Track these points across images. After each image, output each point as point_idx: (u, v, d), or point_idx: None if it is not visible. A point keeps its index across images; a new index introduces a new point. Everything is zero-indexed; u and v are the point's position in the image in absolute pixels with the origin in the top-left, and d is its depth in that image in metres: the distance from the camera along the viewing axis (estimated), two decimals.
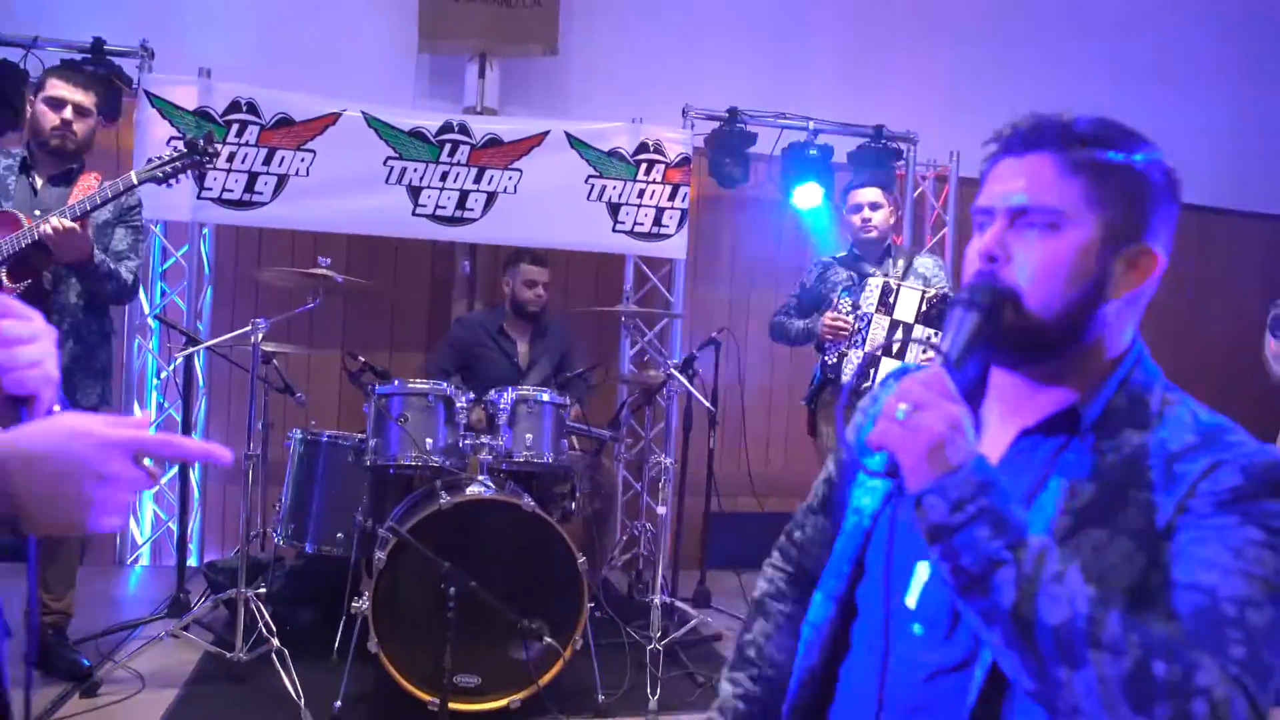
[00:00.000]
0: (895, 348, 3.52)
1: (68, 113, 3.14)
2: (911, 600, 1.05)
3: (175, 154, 3.08)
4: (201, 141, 3.11)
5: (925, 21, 5.71)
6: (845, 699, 1.11)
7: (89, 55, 4.43)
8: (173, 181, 3.11)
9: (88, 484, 0.78)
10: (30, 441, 0.78)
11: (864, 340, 3.56)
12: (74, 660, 3.13)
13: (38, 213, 2.98)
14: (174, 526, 4.43)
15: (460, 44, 5.05)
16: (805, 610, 1.20)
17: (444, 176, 4.72)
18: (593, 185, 4.88)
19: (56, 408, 0.89)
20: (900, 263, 3.90)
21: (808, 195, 5.10)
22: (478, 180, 4.76)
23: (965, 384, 1.02)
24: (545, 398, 3.42)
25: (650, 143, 4.92)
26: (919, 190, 5.62)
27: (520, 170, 4.78)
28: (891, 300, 3.57)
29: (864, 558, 1.12)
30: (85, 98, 3.19)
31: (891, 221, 3.96)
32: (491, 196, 4.76)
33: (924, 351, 3.35)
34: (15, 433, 0.79)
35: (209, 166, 3.19)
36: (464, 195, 4.74)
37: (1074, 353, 1.01)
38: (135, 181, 3.01)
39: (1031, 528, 0.91)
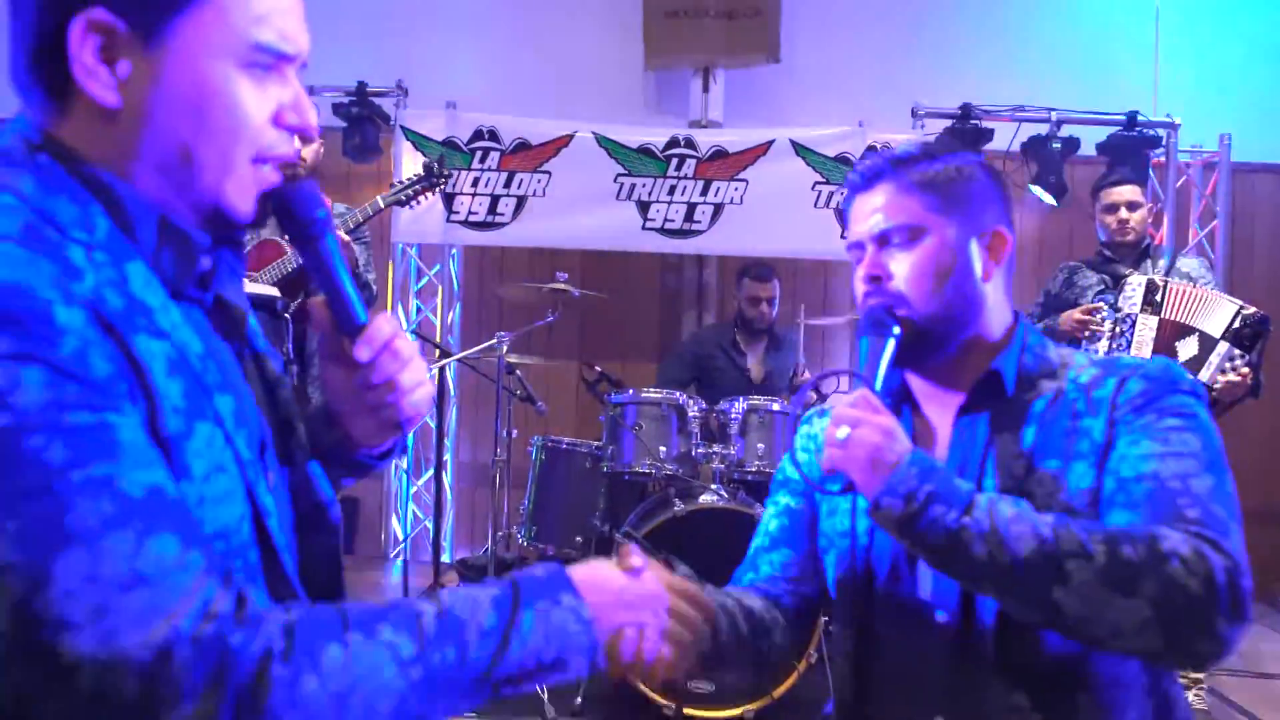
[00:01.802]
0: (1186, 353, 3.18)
1: (297, 142, 3.48)
2: (926, 592, 1.16)
3: (414, 178, 3.39)
4: (435, 165, 3.38)
5: None
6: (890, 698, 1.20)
7: (354, 97, 4.89)
8: (414, 203, 3.43)
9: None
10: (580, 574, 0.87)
11: (1129, 343, 3.27)
12: None
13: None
14: (429, 525, 4.81)
15: (685, 59, 5.16)
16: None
17: (671, 190, 4.83)
18: (820, 192, 4.83)
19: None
20: (1162, 262, 3.58)
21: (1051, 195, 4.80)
22: (704, 192, 4.83)
23: (891, 395, 1.20)
24: (776, 407, 3.41)
25: (878, 145, 4.80)
26: (1181, 180, 5.13)
27: (746, 180, 4.81)
28: (1158, 299, 3.27)
29: (872, 573, 1.20)
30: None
31: (1149, 220, 3.66)
32: (719, 208, 4.82)
33: (1230, 362, 3.06)
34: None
35: (443, 188, 3.48)
36: (691, 208, 4.83)
37: (968, 336, 1.17)
38: (382, 205, 3.33)
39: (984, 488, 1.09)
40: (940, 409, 1.21)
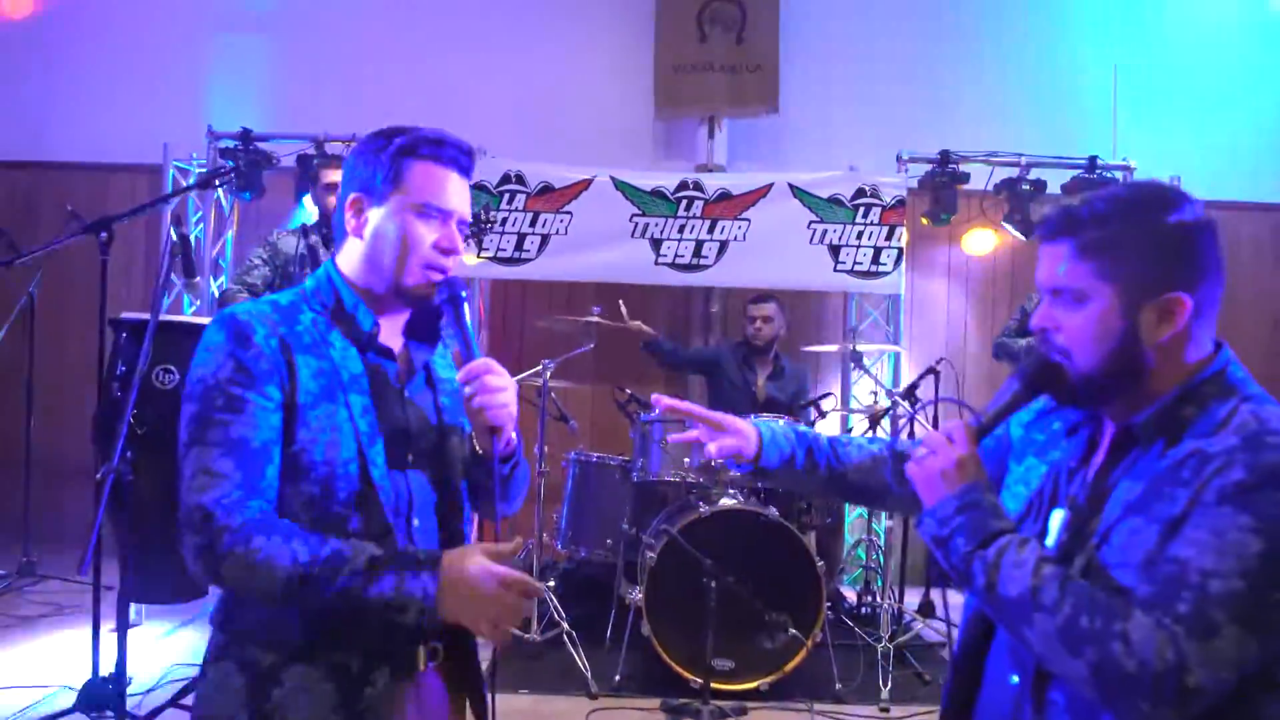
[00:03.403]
0: None
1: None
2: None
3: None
4: (482, 213, 3.87)
5: (1137, 48, 5.80)
6: (1000, 645, 1.32)
7: None
8: (467, 246, 3.91)
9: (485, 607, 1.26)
10: (453, 570, 1.27)
11: None
12: None
13: None
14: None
15: (692, 109, 5.70)
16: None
17: (681, 229, 5.34)
18: (814, 229, 5.35)
19: (513, 436, 1.43)
20: None
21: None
22: (711, 231, 5.34)
23: (1083, 417, 1.31)
24: (784, 422, 3.91)
25: (867, 188, 5.33)
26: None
27: (749, 220, 5.33)
28: None
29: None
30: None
31: None
32: (724, 245, 5.33)
33: None
34: (445, 564, 1.28)
35: (487, 233, 3.96)
36: (699, 245, 5.34)
37: (1129, 389, 1.21)
38: None
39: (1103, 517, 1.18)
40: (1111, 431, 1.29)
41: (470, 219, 1.49)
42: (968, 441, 1.23)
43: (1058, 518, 1.26)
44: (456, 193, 1.43)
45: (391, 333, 1.46)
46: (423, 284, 1.41)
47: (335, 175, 3.87)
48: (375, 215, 1.41)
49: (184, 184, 5.75)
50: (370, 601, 1.25)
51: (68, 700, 3.10)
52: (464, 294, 1.44)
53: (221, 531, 1.25)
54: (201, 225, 5.69)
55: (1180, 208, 1.20)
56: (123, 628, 2.92)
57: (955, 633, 1.37)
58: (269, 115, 5.66)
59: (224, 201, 5.80)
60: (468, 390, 1.38)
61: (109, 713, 3.02)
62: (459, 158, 1.43)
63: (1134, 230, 1.19)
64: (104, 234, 3.01)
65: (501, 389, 1.38)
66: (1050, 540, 1.25)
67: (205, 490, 1.26)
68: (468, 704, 1.50)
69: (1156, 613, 1.05)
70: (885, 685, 3.59)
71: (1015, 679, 1.24)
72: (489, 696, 1.47)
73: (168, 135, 5.72)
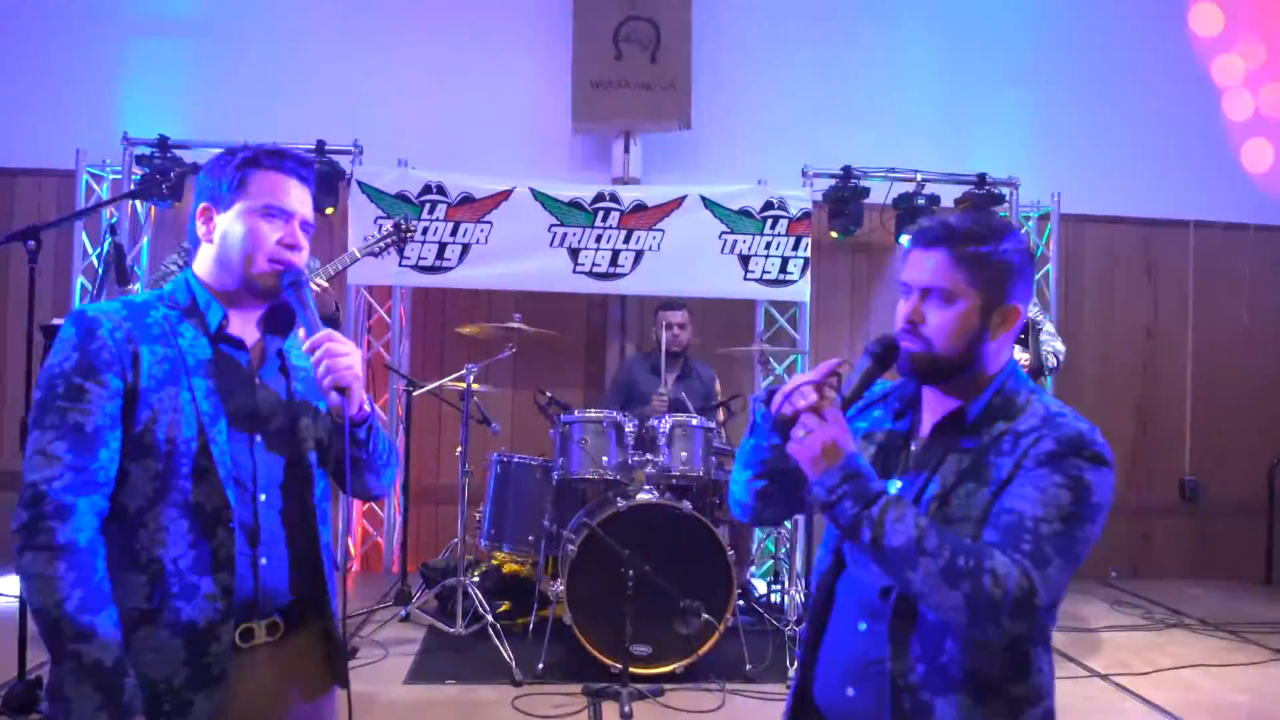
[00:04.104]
0: None
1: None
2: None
3: (385, 234, 4.01)
4: (403, 222, 4.01)
5: (1019, 72, 6.25)
6: (845, 599, 1.55)
7: (314, 153, 5.47)
8: (384, 255, 4.04)
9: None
10: None
11: None
12: None
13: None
14: (381, 541, 5.38)
15: (608, 124, 5.90)
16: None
17: (598, 239, 5.55)
18: (725, 240, 5.61)
19: (365, 397, 1.58)
20: None
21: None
22: (627, 240, 5.56)
23: (909, 394, 1.58)
24: (695, 422, 4.14)
25: (775, 200, 5.62)
26: (1023, 230, 6.11)
27: (663, 230, 5.56)
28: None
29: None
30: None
31: None
32: (639, 254, 5.55)
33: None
34: None
35: (408, 241, 4.10)
36: (615, 254, 5.55)
37: (967, 374, 1.49)
38: (359, 255, 3.95)
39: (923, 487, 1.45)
40: (931, 414, 1.55)
41: (312, 222, 1.64)
42: (840, 417, 1.42)
43: (895, 487, 1.50)
44: (297, 197, 1.61)
45: (244, 326, 1.61)
46: (268, 273, 1.56)
47: None
48: (223, 220, 1.58)
49: (97, 190, 5.73)
50: (68, 688, 1.38)
51: None
52: (304, 279, 1.59)
53: (46, 517, 1.38)
54: (120, 230, 5.66)
55: (1022, 238, 1.50)
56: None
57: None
58: (185, 122, 5.67)
59: (139, 208, 5.78)
60: (314, 357, 1.52)
61: (34, 715, 3.07)
62: (298, 168, 1.62)
63: (997, 249, 1.46)
64: (31, 242, 3.06)
65: (345, 353, 1.53)
66: None
67: (39, 469, 1.40)
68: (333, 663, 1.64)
69: (1009, 552, 1.33)
70: (792, 664, 3.84)
71: (863, 625, 1.48)
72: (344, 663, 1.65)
73: (79, 140, 5.68)
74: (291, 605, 1.57)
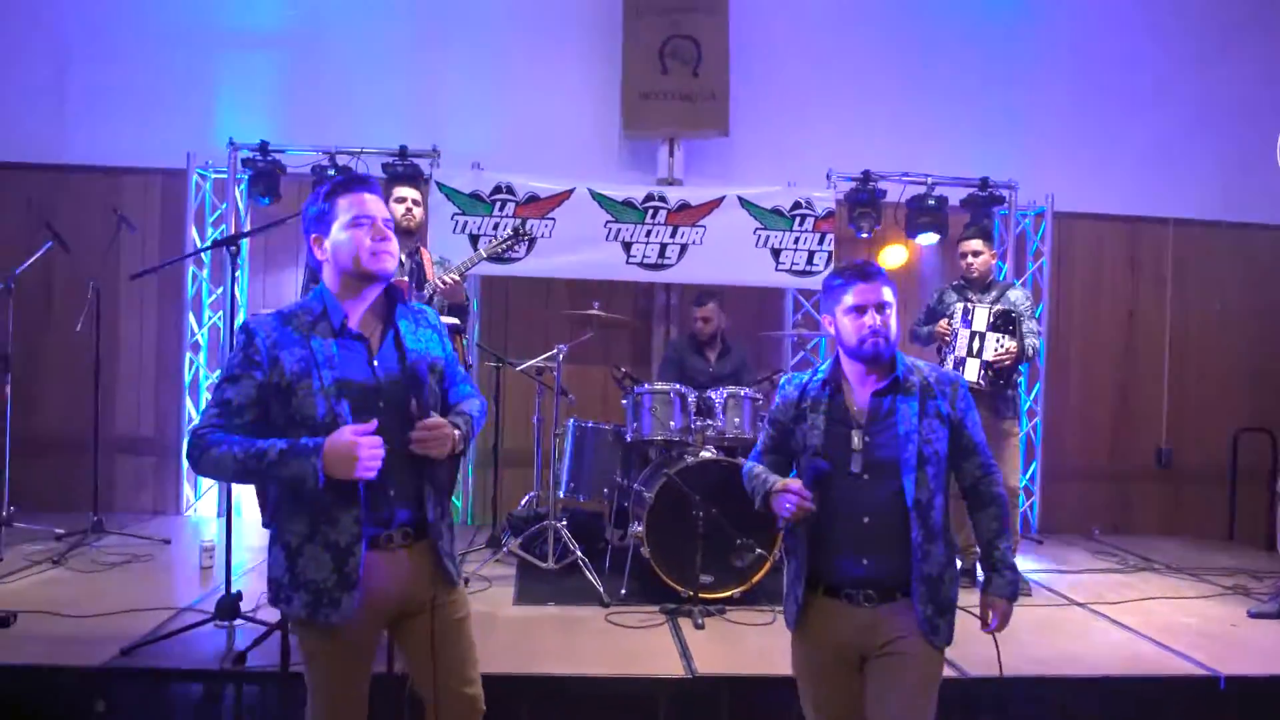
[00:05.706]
0: (975, 348, 4.84)
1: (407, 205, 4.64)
2: (856, 468, 2.36)
3: (507, 236, 4.78)
4: (521, 226, 4.79)
5: (1020, 82, 7.00)
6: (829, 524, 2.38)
7: (398, 157, 6.22)
8: (510, 255, 4.83)
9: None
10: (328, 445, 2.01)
11: (953, 348, 4.91)
12: None
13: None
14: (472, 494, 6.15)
15: (654, 131, 6.65)
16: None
17: (648, 234, 6.33)
18: (759, 235, 6.40)
19: (456, 437, 2.20)
20: (994, 292, 5.18)
21: (929, 240, 6.51)
22: (673, 235, 6.34)
23: (830, 377, 2.41)
24: (743, 393, 4.94)
25: (802, 201, 6.41)
26: (1020, 228, 6.90)
27: (705, 227, 6.35)
28: (969, 317, 4.90)
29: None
30: (416, 193, 4.69)
31: (992, 263, 5.27)
32: (684, 248, 6.34)
33: (998, 344, 4.71)
34: (326, 444, 2.00)
35: (521, 241, 4.89)
36: (663, 247, 6.34)
37: (890, 357, 2.37)
38: (484, 255, 4.72)
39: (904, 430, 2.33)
40: (863, 389, 2.37)
41: (391, 218, 2.20)
42: (805, 504, 2.28)
43: (857, 435, 2.32)
44: (373, 205, 2.16)
45: (365, 318, 2.17)
46: (374, 263, 2.13)
47: (401, 190, 4.52)
48: (329, 241, 2.15)
49: (204, 188, 6.48)
50: (284, 479, 2.00)
51: (194, 617, 3.92)
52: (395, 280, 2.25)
53: (196, 446, 2.04)
54: (224, 226, 6.42)
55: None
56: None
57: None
58: (279, 129, 6.40)
59: (240, 205, 6.52)
60: (418, 449, 2.09)
61: (239, 620, 3.88)
62: (368, 185, 2.18)
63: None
64: (232, 247, 3.81)
65: (438, 440, 2.13)
66: (856, 446, 2.30)
67: (202, 421, 2.09)
68: (434, 576, 2.22)
69: (990, 466, 2.40)
70: None
71: (867, 519, 2.29)
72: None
73: (184, 143, 6.42)
74: (412, 521, 2.18)
